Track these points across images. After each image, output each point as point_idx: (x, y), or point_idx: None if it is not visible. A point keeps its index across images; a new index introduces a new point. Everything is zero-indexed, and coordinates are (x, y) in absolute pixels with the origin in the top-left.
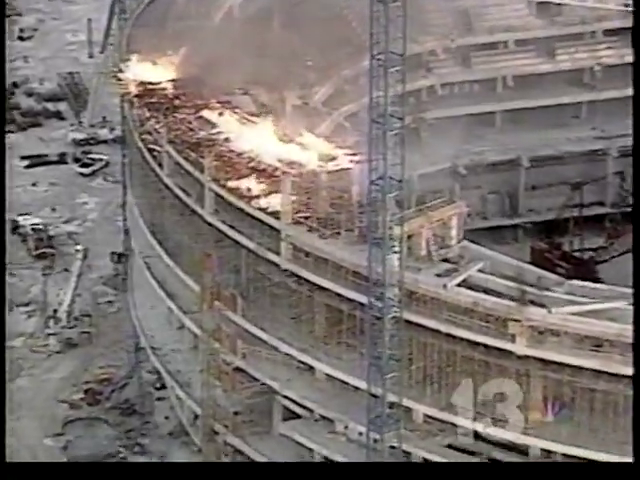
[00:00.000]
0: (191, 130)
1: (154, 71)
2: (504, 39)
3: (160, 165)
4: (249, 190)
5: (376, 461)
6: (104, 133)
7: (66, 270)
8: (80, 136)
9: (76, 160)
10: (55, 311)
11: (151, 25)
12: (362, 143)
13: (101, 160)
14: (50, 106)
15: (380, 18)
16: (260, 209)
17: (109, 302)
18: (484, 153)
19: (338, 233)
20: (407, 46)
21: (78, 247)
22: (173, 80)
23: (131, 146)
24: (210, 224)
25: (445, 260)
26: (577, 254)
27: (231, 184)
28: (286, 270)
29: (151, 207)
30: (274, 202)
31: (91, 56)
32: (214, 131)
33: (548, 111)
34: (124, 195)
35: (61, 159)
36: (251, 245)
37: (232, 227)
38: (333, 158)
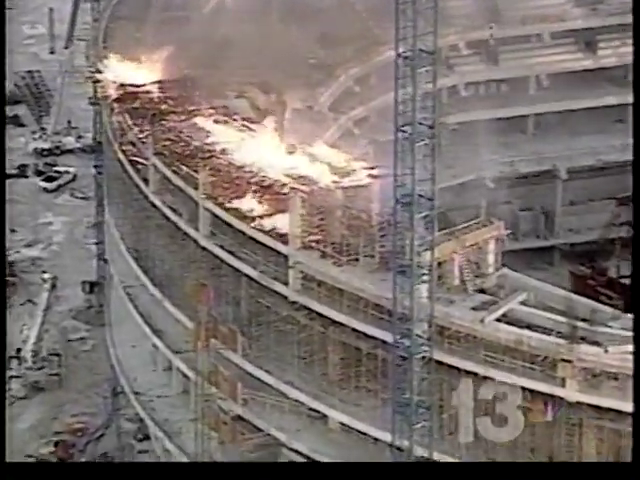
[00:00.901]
0: (182, 140)
1: (136, 71)
2: (538, 31)
3: (145, 180)
4: (251, 210)
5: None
6: (70, 141)
7: (30, 302)
8: (43, 145)
9: (38, 173)
10: (18, 350)
11: (131, 17)
12: (380, 154)
13: (67, 173)
14: (7, 110)
15: (407, 10)
16: (264, 232)
17: (81, 339)
18: (515, 163)
19: (356, 259)
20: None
21: (45, 275)
22: (159, 82)
23: (109, 158)
24: (205, 249)
25: (481, 291)
26: (625, 281)
27: (230, 203)
28: (295, 302)
29: (134, 229)
30: (280, 224)
31: (53, 52)
32: (209, 141)
33: (588, 114)
34: (98, 214)
35: (21, 172)
36: (254, 273)
37: (231, 253)
38: (349, 172)
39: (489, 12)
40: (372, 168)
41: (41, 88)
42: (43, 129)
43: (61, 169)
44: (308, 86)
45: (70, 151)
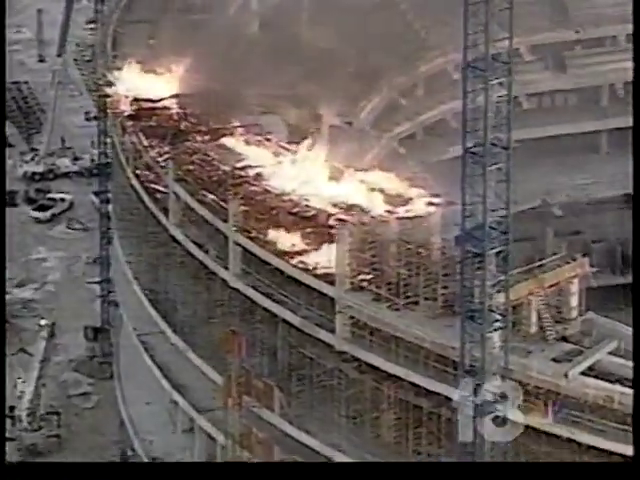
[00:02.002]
0: (208, 164)
1: (152, 84)
2: (611, 33)
3: (165, 211)
4: (291, 245)
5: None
6: (65, 164)
7: (23, 351)
8: (34, 168)
9: (29, 201)
10: (12, 408)
11: (144, 21)
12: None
13: (63, 200)
14: None
15: (478, 12)
16: (306, 270)
17: (84, 394)
18: (586, 187)
19: (415, 302)
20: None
21: (42, 322)
22: (178, 96)
23: (120, 184)
24: (236, 290)
25: (564, 339)
26: None
27: (265, 236)
28: (343, 353)
29: (151, 267)
30: (326, 261)
31: (42, 59)
32: (240, 165)
33: None
34: (102, 248)
35: (9, 200)
36: (294, 319)
37: (267, 295)
38: (406, 200)
39: (555, 11)
40: (433, 195)
41: (30, 102)
42: (34, 150)
43: (55, 196)
44: (347, 99)
45: (65, 175)
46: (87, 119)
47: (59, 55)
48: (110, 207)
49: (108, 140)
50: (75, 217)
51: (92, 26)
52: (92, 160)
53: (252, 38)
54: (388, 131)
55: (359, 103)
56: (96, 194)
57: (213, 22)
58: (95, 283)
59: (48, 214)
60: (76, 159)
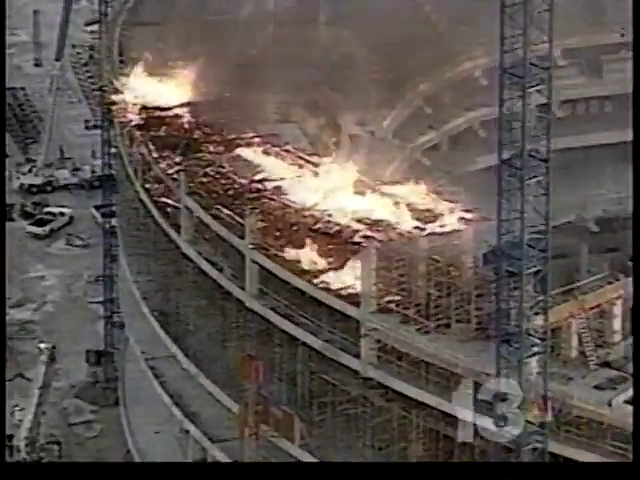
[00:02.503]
0: (223, 176)
1: (162, 90)
2: None
3: (176, 227)
4: (312, 263)
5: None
6: (64, 175)
7: (21, 377)
8: (31, 180)
9: (26, 215)
10: (10, 437)
11: (152, 23)
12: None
13: (62, 215)
14: None
15: (516, 15)
16: (329, 290)
17: (86, 422)
18: (624, 201)
19: (447, 325)
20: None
21: (41, 345)
22: (189, 104)
23: (127, 198)
24: (253, 312)
25: (607, 365)
26: None
27: (285, 254)
28: (368, 379)
29: (161, 287)
30: (350, 280)
31: (39, 64)
32: (258, 177)
33: None
34: (105, 266)
35: (5, 214)
36: (315, 343)
37: (286, 317)
38: (436, 216)
39: (592, 12)
40: (465, 210)
41: (26, 109)
42: (31, 160)
43: (54, 210)
44: (367, 107)
45: (64, 187)
46: (87, 127)
47: (57, 59)
48: (115, 222)
49: (112, 150)
50: (75, 232)
51: (91, 28)
52: (93, 172)
53: (267, 41)
54: (412, 141)
55: (381, 111)
56: (98, 208)
57: (226, 24)
58: (98, 303)
59: (46, 229)
60: (76, 170)
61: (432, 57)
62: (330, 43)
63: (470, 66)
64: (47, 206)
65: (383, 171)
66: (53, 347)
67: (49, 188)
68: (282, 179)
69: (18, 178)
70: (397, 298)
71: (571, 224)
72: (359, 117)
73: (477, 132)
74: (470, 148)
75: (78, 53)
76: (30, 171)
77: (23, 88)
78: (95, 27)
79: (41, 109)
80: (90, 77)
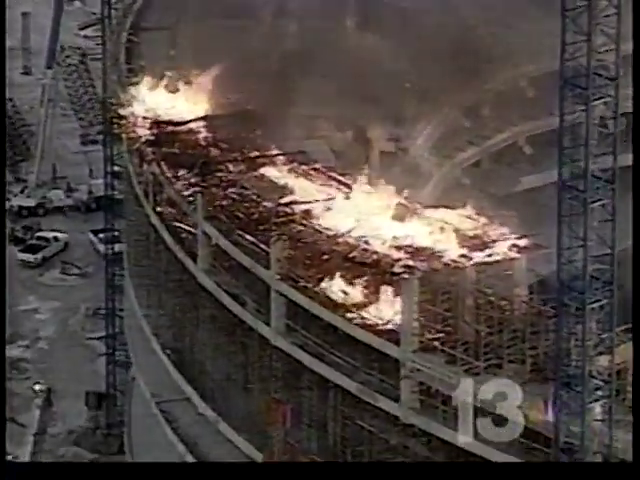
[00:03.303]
0: (246, 198)
1: (175, 102)
2: None
3: (192, 255)
4: (346, 295)
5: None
6: (58, 196)
7: (13, 421)
8: (21, 202)
9: (17, 241)
10: None
11: (163, 27)
12: (499, 215)
13: (56, 240)
14: None
15: (578, 19)
16: (365, 326)
17: None
18: None
19: (498, 366)
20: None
21: (36, 387)
22: (206, 117)
23: (136, 222)
24: (279, 350)
25: None
26: None
27: (316, 286)
28: (410, 426)
29: (174, 322)
30: (389, 315)
31: (28, 72)
32: (285, 200)
33: None
34: (108, 299)
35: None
36: (350, 385)
37: (316, 356)
38: (485, 243)
39: None
40: (519, 237)
41: (16, 123)
42: (20, 180)
43: (47, 235)
44: (400, 120)
45: (59, 210)
46: (84, 143)
47: (49, 67)
48: (118, 248)
49: (116, 168)
50: (71, 260)
51: (85, 33)
52: (90, 192)
53: (289, 47)
54: (449, 158)
55: (415, 125)
56: (96, 233)
57: (244, 28)
58: (98, 339)
59: (39, 257)
60: (71, 191)
61: (471, 65)
62: (358, 50)
63: (513, 74)
64: (39, 231)
65: (418, 192)
66: (49, 389)
67: (41, 211)
68: (312, 202)
69: (8, 200)
70: (442, 335)
71: (626, 251)
72: (391, 132)
73: (522, 148)
74: (513, 166)
75: (67, 56)
76: (21, 192)
77: (11, 99)
78: (89, 31)
79: (31, 123)
80: (82, 86)
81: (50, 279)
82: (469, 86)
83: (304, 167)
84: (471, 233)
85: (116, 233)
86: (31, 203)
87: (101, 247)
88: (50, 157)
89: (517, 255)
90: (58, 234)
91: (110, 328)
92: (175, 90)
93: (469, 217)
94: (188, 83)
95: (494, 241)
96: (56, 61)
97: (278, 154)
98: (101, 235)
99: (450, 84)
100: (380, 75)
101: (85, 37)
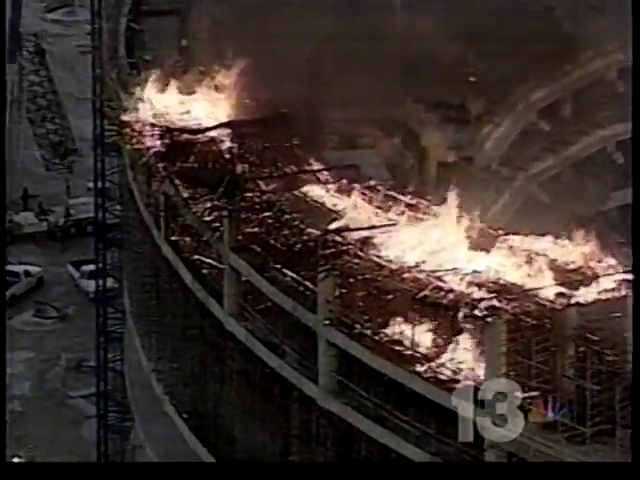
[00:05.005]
0: (285, 225)
1: (190, 105)
2: None
3: (216, 295)
4: (415, 345)
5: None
6: (28, 220)
7: None
8: None
9: None
10: None
11: (171, 13)
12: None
13: (28, 275)
14: None
15: None
16: (439, 382)
17: None
18: None
19: (609, 433)
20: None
21: (14, 459)
22: (229, 124)
23: (143, 254)
24: (330, 413)
25: None
26: None
27: (375, 333)
28: None
29: (193, 379)
30: (469, 366)
31: None
32: (335, 226)
33: None
34: (99, 347)
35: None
36: (420, 455)
37: (377, 420)
38: (587, 279)
39: None
40: (629, 271)
41: None
42: None
43: (16, 269)
44: (463, 123)
45: (30, 237)
46: (58, 154)
47: (11, 61)
48: (110, 284)
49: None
50: (46, 300)
51: (53, 16)
52: (67, 214)
53: (325, 35)
54: (523, 169)
55: (481, 129)
56: (76, 265)
57: (269, 13)
58: (85, 398)
59: (6, 295)
60: (44, 213)
61: (548, 55)
62: (410, 36)
63: (599, 65)
64: (9, 264)
65: (484, 213)
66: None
67: (8, 238)
68: (369, 228)
69: None
70: (536, 394)
71: None
72: (451, 137)
73: (611, 156)
74: (601, 179)
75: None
76: None
77: None
78: (59, 15)
79: None
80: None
81: (21, 323)
82: (546, 80)
83: (356, 185)
84: (570, 266)
85: (107, 266)
86: None
87: (83, 283)
88: (16, 172)
89: (628, 292)
90: (29, 267)
91: (101, 384)
92: (190, 91)
93: (565, 245)
94: (205, 81)
95: (598, 275)
96: (20, 53)
97: (323, 168)
98: (84, 268)
99: (524, 78)
100: (435, 67)
101: (53, 21)
